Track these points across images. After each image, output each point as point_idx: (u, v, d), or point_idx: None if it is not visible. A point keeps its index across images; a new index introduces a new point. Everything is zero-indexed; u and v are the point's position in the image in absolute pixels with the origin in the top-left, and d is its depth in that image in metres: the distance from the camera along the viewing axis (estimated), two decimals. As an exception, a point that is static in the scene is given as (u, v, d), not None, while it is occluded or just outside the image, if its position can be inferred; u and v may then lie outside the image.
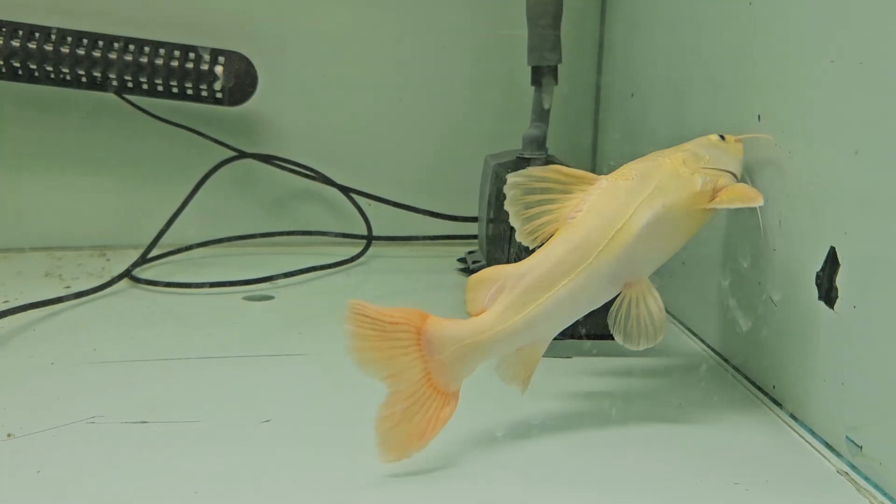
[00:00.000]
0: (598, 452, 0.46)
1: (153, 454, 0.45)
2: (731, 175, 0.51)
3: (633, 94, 0.83)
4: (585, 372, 0.59)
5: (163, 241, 0.84)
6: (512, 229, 0.66)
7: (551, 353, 0.61)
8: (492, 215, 0.79)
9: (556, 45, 0.82)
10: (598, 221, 0.47)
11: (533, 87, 0.85)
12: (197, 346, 0.61)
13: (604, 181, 0.49)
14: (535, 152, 0.82)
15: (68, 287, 0.74)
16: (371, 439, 0.42)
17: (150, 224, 0.89)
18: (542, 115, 0.85)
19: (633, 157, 0.82)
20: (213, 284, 0.76)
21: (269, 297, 0.75)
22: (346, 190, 0.93)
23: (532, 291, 0.45)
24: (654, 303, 0.47)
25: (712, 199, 0.48)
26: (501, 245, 0.71)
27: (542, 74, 0.83)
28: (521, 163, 0.80)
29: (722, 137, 0.54)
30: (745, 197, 0.48)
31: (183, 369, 0.57)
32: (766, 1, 0.55)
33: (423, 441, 0.43)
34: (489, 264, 0.81)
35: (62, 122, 0.89)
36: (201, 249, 0.89)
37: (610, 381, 0.57)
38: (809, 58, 0.49)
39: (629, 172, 0.49)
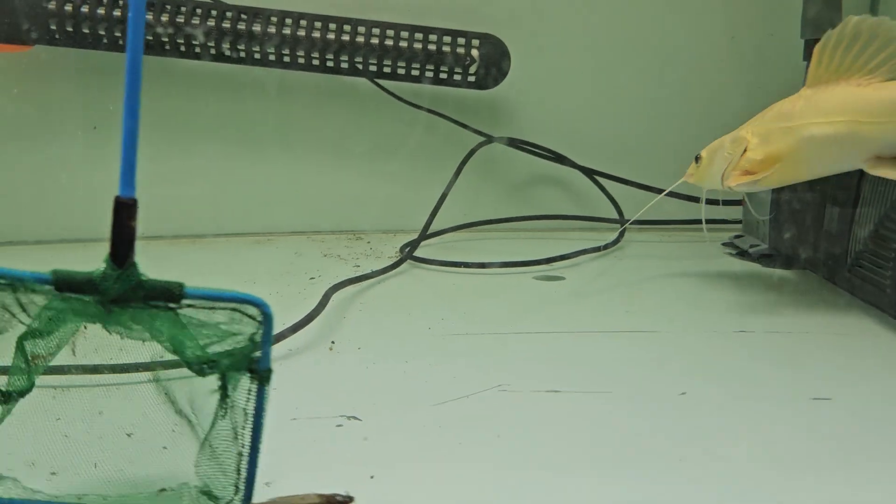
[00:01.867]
0: None
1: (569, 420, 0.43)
2: None
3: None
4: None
5: (413, 225, 0.84)
6: (856, 202, 0.62)
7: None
8: (786, 192, 0.75)
9: (837, 15, 0.78)
10: None
11: (805, 63, 0.80)
12: (536, 321, 0.59)
13: None
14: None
15: (357, 266, 0.74)
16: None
17: (399, 210, 0.89)
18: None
19: None
20: (503, 264, 0.74)
21: (561, 278, 0.73)
22: (590, 173, 0.90)
23: None
24: None
25: None
26: (834, 228, 0.67)
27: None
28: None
29: None
30: None
31: (552, 342, 0.55)
32: None
33: None
34: (778, 245, 0.76)
35: (314, 105, 0.89)
36: (452, 234, 0.88)
37: None
38: None
39: None
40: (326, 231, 0.90)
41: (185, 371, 0.32)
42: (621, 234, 0.85)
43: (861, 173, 0.62)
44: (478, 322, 0.59)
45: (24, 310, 0.31)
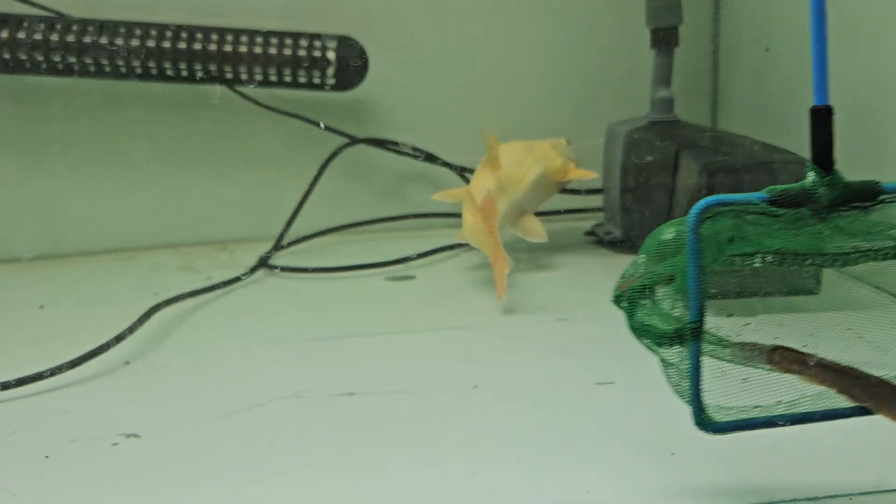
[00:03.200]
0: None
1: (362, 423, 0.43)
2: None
3: (767, 49, 0.80)
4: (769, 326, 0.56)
5: (274, 231, 0.83)
6: (673, 191, 0.64)
7: (737, 312, 0.58)
8: (628, 184, 0.77)
9: (676, 4, 0.80)
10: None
11: (653, 51, 0.82)
12: (364, 322, 0.60)
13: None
14: (668, 115, 0.79)
15: (209, 278, 0.74)
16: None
17: (265, 217, 0.88)
18: (665, 78, 0.82)
19: (760, 116, 0.78)
20: (352, 267, 0.74)
21: (412, 277, 0.73)
22: (459, 169, 0.91)
23: None
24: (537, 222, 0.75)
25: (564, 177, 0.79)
26: (654, 210, 0.69)
27: (662, 36, 0.81)
28: (654, 126, 0.78)
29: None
30: (585, 174, 0.79)
31: (374, 344, 0.55)
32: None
33: None
34: (627, 232, 0.79)
35: (171, 116, 0.89)
36: (319, 238, 0.88)
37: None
38: None
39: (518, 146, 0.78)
40: (191, 243, 0.89)
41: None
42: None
43: (675, 162, 0.64)
44: (303, 329, 0.59)
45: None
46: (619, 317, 0.37)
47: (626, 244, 0.79)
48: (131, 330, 0.55)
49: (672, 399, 0.35)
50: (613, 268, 0.70)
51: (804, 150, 0.67)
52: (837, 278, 0.65)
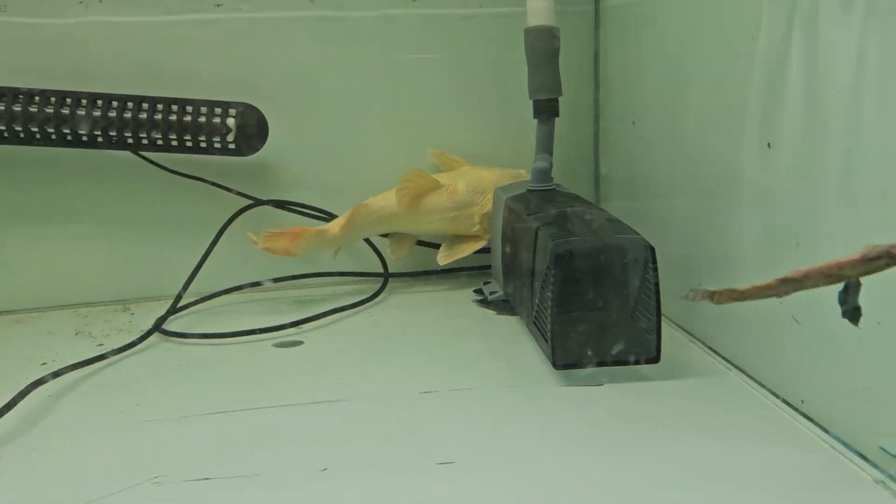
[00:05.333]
0: (627, 469, 0.48)
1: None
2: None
3: (634, 122, 0.86)
4: (616, 395, 0.61)
5: (173, 291, 0.87)
6: (533, 265, 0.69)
7: (582, 382, 0.63)
8: (506, 249, 0.82)
9: (556, 79, 0.85)
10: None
11: (536, 120, 0.88)
12: (239, 397, 0.63)
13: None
14: (545, 184, 0.85)
15: (101, 345, 0.76)
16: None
17: (169, 276, 0.91)
18: (546, 146, 0.88)
19: (632, 181, 0.85)
20: (242, 333, 0.77)
21: (299, 343, 0.77)
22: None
23: None
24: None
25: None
26: (522, 278, 0.73)
27: (543, 106, 0.87)
28: (531, 195, 0.83)
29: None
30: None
31: (231, 421, 0.59)
32: (770, 37, 0.58)
33: None
34: (506, 294, 0.84)
35: (77, 181, 0.91)
36: (222, 298, 0.91)
37: (639, 404, 0.59)
38: (817, 88, 0.52)
39: (453, 195, 0.90)
40: (95, 303, 0.91)
41: None
42: (380, 290, 0.90)
43: (535, 238, 0.69)
44: (178, 404, 0.62)
45: None
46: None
47: (507, 304, 0.84)
48: (7, 408, 0.57)
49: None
50: (484, 330, 0.75)
51: (660, 215, 0.72)
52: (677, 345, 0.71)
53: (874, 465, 0.48)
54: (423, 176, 0.88)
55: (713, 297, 0.41)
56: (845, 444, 0.51)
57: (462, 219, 0.90)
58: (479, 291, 0.90)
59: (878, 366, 0.48)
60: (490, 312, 0.84)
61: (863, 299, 0.49)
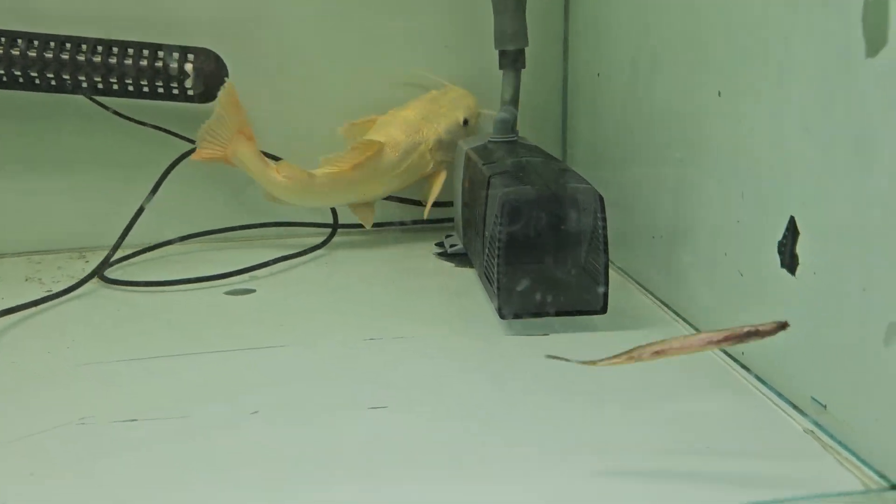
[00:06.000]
0: (561, 410, 0.48)
1: (145, 450, 0.46)
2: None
3: (598, 74, 0.84)
4: (560, 344, 0.60)
5: (136, 240, 0.85)
6: (485, 214, 0.68)
7: (529, 332, 0.63)
8: (465, 199, 0.81)
9: (522, 29, 0.83)
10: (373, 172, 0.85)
11: (501, 72, 0.86)
12: (177, 343, 0.62)
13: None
14: (506, 135, 0.83)
15: (49, 290, 0.75)
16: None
17: (125, 223, 0.89)
18: (511, 98, 0.86)
19: (598, 136, 0.84)
20: (191, 280, 0.76)
21: (251, 291, 0.76)
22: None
23: None
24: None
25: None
26: (476, 228, 0.73)
27: (510, 58, 0.85)
28: (491, 146, 0.82)
29: (466, 122, 0.90)
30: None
31: (167, 366, 0.58)
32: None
33: None
34: (466, 247, 0.83)
35: (32, 126, 0.89)
36: (175, 246, 0.89)
37: (582, 353, 0.59)
38: (766, 38, 0.51)
39: (396, 146, 0.86)
40: (51, 251, 0.90)
41: None
42: (328, 239, 0.89)
43: (488, 186, 0.67)
44: (116, 349, 0.61)
45: None
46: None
47: (466, 257, 0.83)
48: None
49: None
50: (440, 283, 0.74)
51: (619, 166, 0.70)
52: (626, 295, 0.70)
53: (805, 415, 0.48)
54: (370, 143, 0.85)
55: (631, 356, 0.42)
56: (779, 395, 0.51)
57: (414, 165, 0.88)
58: (440, 245, 0.89)
59: (813, 316, 0.47)
60: (449, 265, 0.83)
61: (801, 248, 0.48)
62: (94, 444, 0.46)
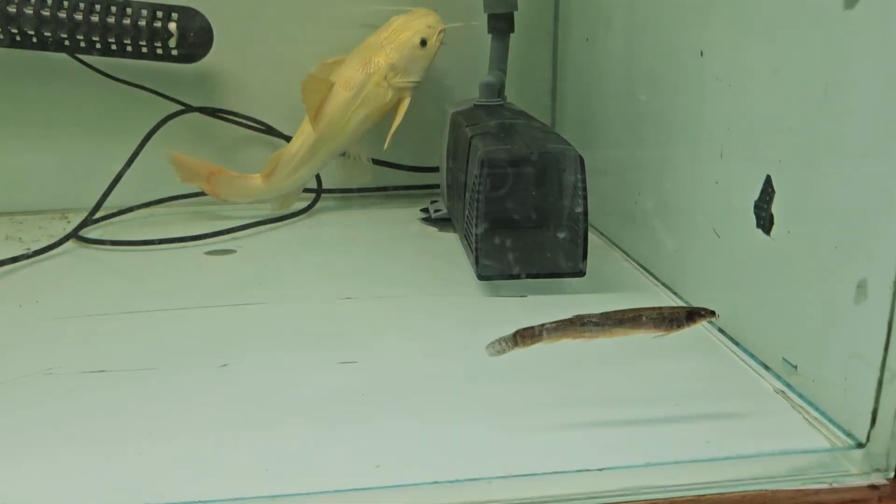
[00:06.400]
0: (548, 375, 0.48)
1: (111, 400, 0.46)
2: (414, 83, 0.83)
3: (587, 39, 0.83)
4: (536, 305, 0.60)
5: (119, 201, 0.84)
6: (466, 175, 0.67)
7: (506, 293, 0.62)
8: (450, 163, 0.80)
9: (513, -11, 0.82)
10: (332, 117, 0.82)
11: (490, 35, 0.85)
12: (152, 300, 0.62)
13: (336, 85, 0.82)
14: (492, 99, 0.82)
15: (28, 249, 0.74)
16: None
17: (107, 184, 0.89)
18: (499, 62, 0.85)
19: (586, 102, 0.83)
20: (170, 240, 0.76)
21: (232, 251, 0.75)
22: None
23: None
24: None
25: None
26: (458, 190, 0.72)
27: (498, 21, 0.84)
28: (477, 110, 0.81)
29: (424, 43, 0.83)
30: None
31: (140, 321, 0.58)
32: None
33: None
34: (449, 211, 0.82)
35: (16, 85, 0.88)
36: (159, 208, 0.89)
37: (557, 314, 0.58)
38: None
39: (349, 83, 0.83)
40: (35, 211, 0.89)
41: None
42: (312, 203, 0.89)
43: (469, 148, 0.67)
44: (90, 305, 0.61)
45: None
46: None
47: (450, 222, 0.82)
48: None
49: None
50: (422, 246, 0.74)
51: (605, 129, 0.69)
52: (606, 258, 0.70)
53: (776, 376, 0.48)
54: (319, 80, 0.82)
55: (516, 340, 0.42)
56: (752, 356, 0.51)
57: (371, 97, 0.82)
58: (425, 210, 0.89)
59: (786, 276, 0.47)
60: (433, 230, 0.83)
61: (776, 208, 0.48)
62: (59, 394, 0.46)
